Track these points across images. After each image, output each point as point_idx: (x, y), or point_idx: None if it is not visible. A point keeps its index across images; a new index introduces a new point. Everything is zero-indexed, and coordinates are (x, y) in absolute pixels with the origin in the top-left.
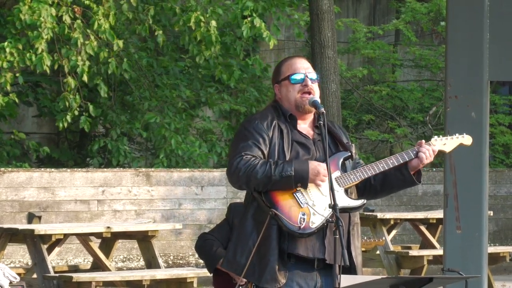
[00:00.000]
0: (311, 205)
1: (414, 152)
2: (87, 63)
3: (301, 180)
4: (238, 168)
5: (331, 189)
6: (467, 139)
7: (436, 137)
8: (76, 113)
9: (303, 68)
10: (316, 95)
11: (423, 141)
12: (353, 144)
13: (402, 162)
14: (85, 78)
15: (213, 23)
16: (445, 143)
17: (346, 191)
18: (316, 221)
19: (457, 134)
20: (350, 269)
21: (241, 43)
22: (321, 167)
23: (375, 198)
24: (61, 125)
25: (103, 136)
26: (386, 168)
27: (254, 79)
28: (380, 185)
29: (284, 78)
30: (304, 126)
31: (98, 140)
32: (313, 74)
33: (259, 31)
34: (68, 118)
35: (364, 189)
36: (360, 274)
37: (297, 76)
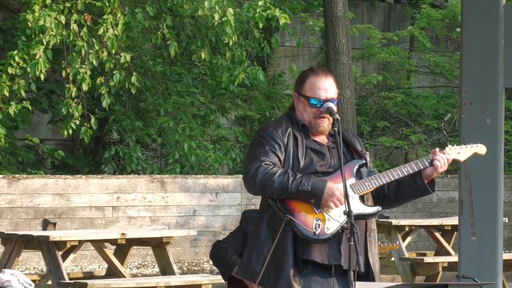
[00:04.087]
0: (326, 211)
1: (429, 160)
2: (89, 72)
3: (315, 197)
4: (255, 175)
5: (346, 195)
6: (481, 148)
7: (450, 146)
8: (78, 122)
9: (325, 91)
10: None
11: (438, 149)
12: (367, 152)
13: (416, 170)
14: (84, 86)
15: (230, 10)
16: (460, 152)
17: (361, 198)
18: (331, 227)
19: (471, 143)
20: (368, 276)
21: (246, 48)
22: (338, 190)
23: (389, 207)
24: (65, 132)
25: (118, 143)
26: (401, 176)
27: (268, 86)
28: (394, 194)
29: (304, 95)
30: (319, 134)
31: (110, 149)
32: (333, 99)
33: (272, 14)
34: (73, 125)
35: (378, 198)
36: (378, 280)
37: (317, 102)
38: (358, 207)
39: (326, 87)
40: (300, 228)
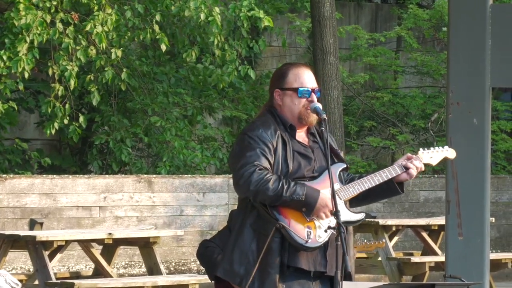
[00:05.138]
0: (316, 219)
1: (402, 168)
2: (76, 68)
3: (308, 207)
4: (249, 180)
5: (333, 196)
6: (451, 153)
7: (422, 150)
8: (66, 122)
9: (310, 82)
10: None
11: (409, 155)
12: (342, 152)
13: (395, 175)
14: (71, 83)
15: (217, 9)
16: (432, 156)
17: (345, 203)
18: (322, 235)
19: (440, 147)
20: (345, 277)
21: (236, 47)
22: (330, 202)
23: (357, 206)
24: (48, 131)
25: (105, 143)
26: (381, 181)
27: (256, 86)
28: (363, 195)
29: (290, 88)
30: (300, 134)
31: (100, 137)
32: (317, 89)
33: (255, 14)
34: (56, 125)
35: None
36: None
37: (305, 91)
38: (345, 215)
39: (310, 78)
40: (293, 236)
